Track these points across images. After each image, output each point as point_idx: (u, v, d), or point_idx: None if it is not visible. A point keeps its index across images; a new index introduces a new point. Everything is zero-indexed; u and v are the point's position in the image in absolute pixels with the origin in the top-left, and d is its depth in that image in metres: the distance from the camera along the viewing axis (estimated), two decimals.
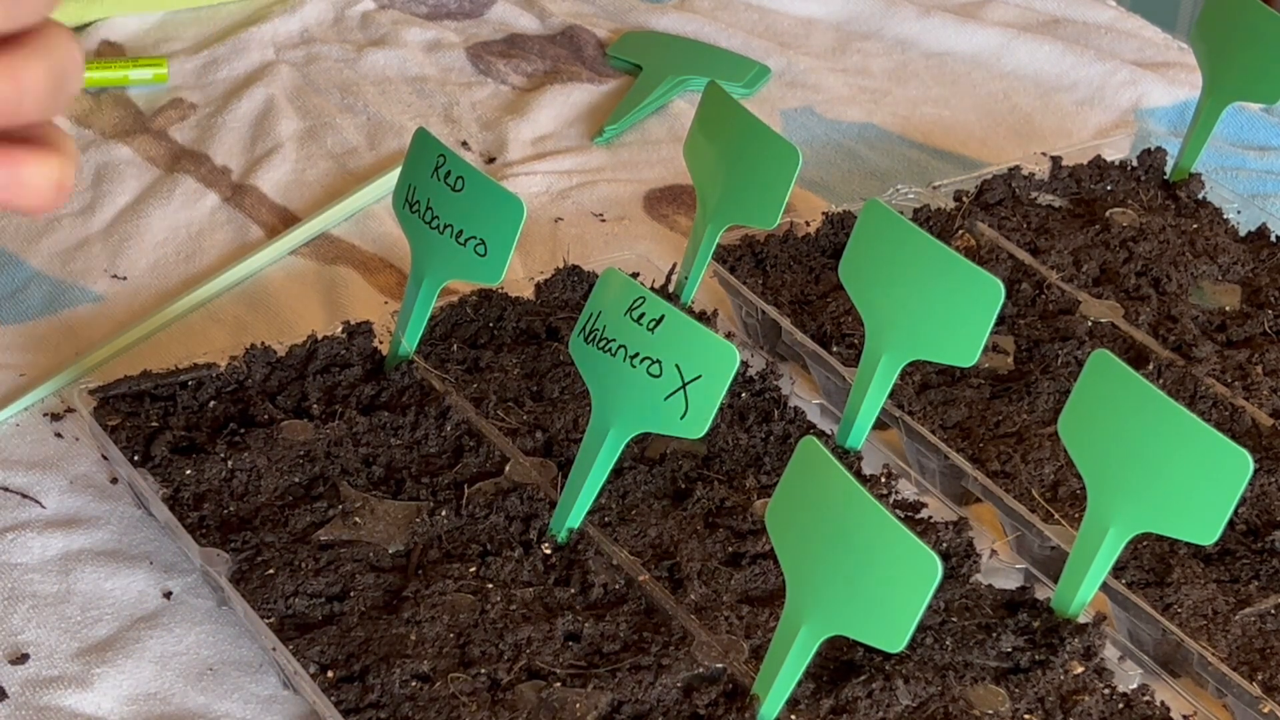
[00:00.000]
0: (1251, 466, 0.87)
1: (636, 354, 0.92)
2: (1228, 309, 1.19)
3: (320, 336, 1.10)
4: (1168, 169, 1.31)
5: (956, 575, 0.98)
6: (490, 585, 0.95)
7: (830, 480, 0.84)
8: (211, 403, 1.06)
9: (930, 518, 1.02)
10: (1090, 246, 1.23)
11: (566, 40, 1.54)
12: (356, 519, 0.98)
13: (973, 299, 0.97)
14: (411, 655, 0.90)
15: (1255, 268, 1.23)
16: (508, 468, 1.02)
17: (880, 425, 1.06)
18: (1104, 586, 0.95)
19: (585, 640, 0.93)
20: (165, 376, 1.07)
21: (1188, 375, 1.11)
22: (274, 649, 0.92)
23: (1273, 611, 0.98)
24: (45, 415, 1.12)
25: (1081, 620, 0.94)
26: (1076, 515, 1.00)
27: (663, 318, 0.92)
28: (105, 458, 1.04)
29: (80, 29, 1.50)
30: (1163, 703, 0.93)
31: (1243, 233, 1.27)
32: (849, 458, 1.04)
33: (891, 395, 1.04)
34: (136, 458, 1.02)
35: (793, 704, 0.89)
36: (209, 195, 1.33)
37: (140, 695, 0.95)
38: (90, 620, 0.99)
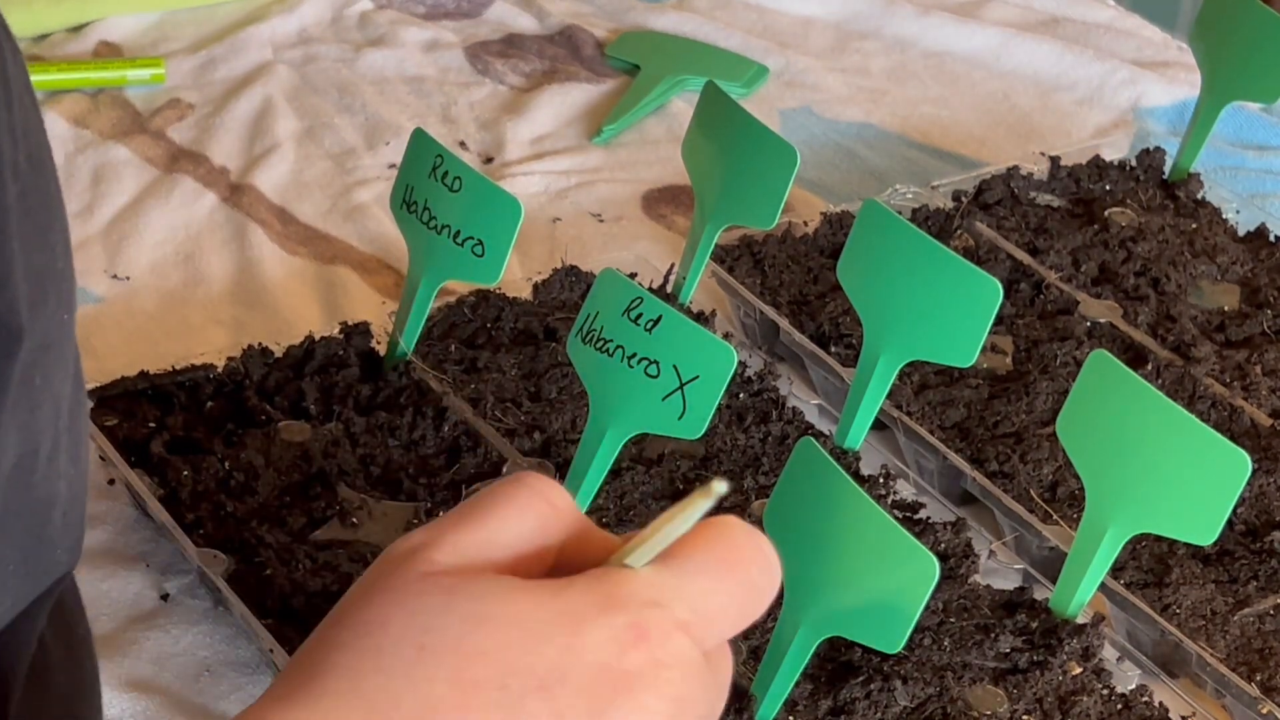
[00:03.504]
0: (1250, 467, 0.87)
1: (634, 354, 0.92)
2: (1226, 309, 1.19)
3: (318, 337, 1.10)
4: (1167, 168, 1.30)
5: (955, 576, 0.98)
6: None
7: (828, 481, 0.84)
8: (209, 403, 1.06)
9: (928, 518, 1.01)
10: (1089, 246, 1.22)
11: (565, 40, 1.54)
12: (354, 519, 0.98)
13: (971, 299, 0.97)
14: None
15: (1254, 267, 1.22)
16: (505, 468, 1.02)
17: (879, 425, 1.06)
18: (1102, 587, 0.95)
19: None
20: (162, 377, 1.07)
21: (1186, 375, 1.11)
22: (271, 650, 0.92)
23: (1271, 612, 0.98)
24: None
25: (1080, 621, 0.94)
26: (1075, 516, 1.00)
27: (660, 318, 0.91)
28: (102, 458, 1.04)
29: (78, 29, 1.50)
30: (1161, 703, 0.93)
31: (1242, 232, 1.27)
32: (847, 458, 1.04)
33: (890, 395, 1.04)
34: (133, 458, 1.02)
35: (790, 705, 0.89)
36: (207, 195, 1.33)
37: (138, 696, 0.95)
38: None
